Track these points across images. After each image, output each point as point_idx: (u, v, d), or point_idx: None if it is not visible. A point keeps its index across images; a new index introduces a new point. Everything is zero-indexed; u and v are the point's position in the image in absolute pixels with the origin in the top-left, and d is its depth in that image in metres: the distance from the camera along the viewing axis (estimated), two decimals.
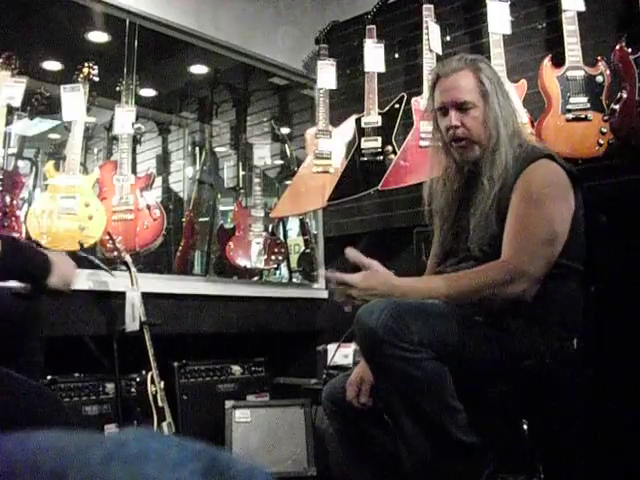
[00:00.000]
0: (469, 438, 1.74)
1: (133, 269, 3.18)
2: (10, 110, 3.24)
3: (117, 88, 3.71)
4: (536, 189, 1.97)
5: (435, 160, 2.28)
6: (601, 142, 2.97)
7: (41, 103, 3.44)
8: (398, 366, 1.70)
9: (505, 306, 1.89)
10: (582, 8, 3.12)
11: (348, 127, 3.81)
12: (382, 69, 3.79)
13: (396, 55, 3.97)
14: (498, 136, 2.06)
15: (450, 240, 2.20)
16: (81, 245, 3.19)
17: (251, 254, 4.31)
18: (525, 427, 2.08)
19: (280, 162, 5.18)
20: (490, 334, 1.87)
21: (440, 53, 3.59)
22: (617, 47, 2.93)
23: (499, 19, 3.34)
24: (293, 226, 5.03)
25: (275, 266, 4.60)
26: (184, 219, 4.67)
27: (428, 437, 1.73)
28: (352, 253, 1.90)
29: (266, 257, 4.35)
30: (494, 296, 1.88)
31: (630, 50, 2.90)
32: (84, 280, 3.16)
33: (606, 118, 2.96)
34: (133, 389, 3.19)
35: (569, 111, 3.03)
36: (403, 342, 1.69)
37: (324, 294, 4.34)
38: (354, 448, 2.16)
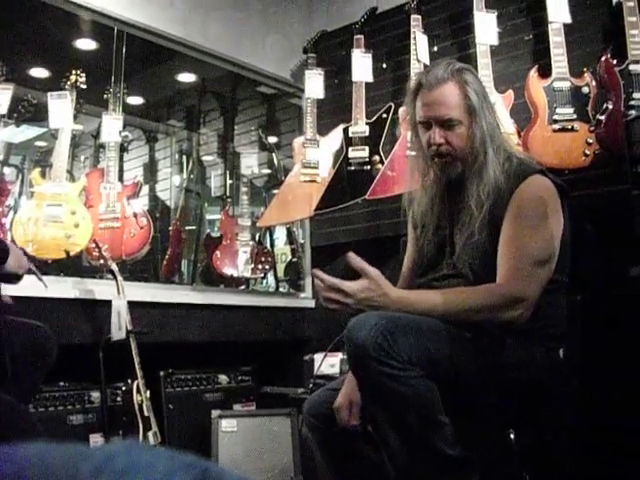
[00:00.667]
0: (455, 452, 1.72)
1: (119, 277, 3.16)
2: None
3: (104, 96, 3.70)
4: (529, 209, 1.93)
5: (414, 170, 2.22)
6: (587, 152, 2.99)
7: (28, 110, 3.43)
8: (386, 383, 1.67)
9: (500, 328, 1.87)
10: (568, 20, 3.14)
11: (336, 136, 3.81)
12: (370, 79, 3.80)
13: (384, 65, 3.99)
14: (485, 153, 2.00)
15: (431, 251, 2.15)
16: (67, 253, 3.17)
17: (238, 263, 4.30)
18: (512, 437, 2.08)
19: (267, 171, 5.18)
20: (479, 349, 1.85)
21: (428, 63, 3.60)
22: (603, 58, 2.96)
23: (486, 30, 3.35)
24: (280, 235, 5.03)
25: (262, 275, 4.59)
26: (171, 227, 4.66)
27: (414, 452, 1.71)
28: (354, 259, 1.85)
29: (253, 266, 4.35)
30: (491, 319, 1.85)
31: (615, 61, 2.92)
32: (70, 289, 3.14)
33: (592, 129, 2.99)
34: (119, 398, 3.17)
35: (555, 122, 3.05)
36: (392, 359, 1.66)
37: (311, 303, 4.34)
38: (338, 462, 2.13)
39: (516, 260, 1.89)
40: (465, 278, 2.00)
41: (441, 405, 1.72)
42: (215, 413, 3.33)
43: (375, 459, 2.03)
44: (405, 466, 1.73)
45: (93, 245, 3.26)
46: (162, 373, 3.44)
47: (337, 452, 2.12)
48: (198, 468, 0.43)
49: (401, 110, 3.56)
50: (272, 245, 4.82)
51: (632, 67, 2.90)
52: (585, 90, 3.06)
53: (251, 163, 4.54)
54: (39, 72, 4.24)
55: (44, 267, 3.26)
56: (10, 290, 2.17)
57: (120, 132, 3.62)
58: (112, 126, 3.58)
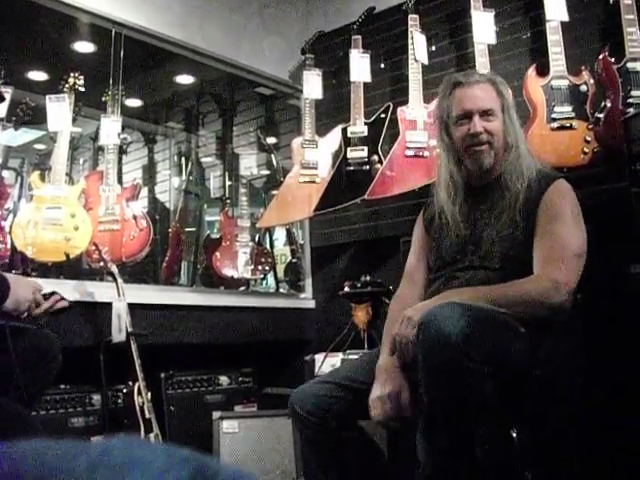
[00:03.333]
0: (478, 453, 1.72)
1: (119, 280, 3.16)
2: None
3: (103, 98, 3.70)
4: (564, 208, 2.08)
5: (439, 164, 2.36)
6: (586, 150, 2.98)
7: (26, 113, 3.42)
8: (461, 377, 1.64)
9: (547, 318, 1.92)
10: (566, 18, 3.14)
11: (334, 137, 3.81)
12: (368, 79, 3.80)
13: (382, 65, 3.99)
14: (518, 147, 2.18)
15: (452, 250, 2.22)
16: (67, 256, 3.17)
17: (238, 264, 4.30)
18: (515, 435, 2.08)
19: (266, 172, 5.18)
20: (526, 345, 1.87)
21: (426, 63, 3.61)
22: (600, 56, 2.96)
23: (484, 29, 3.35)
24: (280, 236, 5.03)
25: (262, 276, 4.60)
26: (170, 229, 4.66)
27: (457, 453, 1.71)
28: None
29: (253, 267, 4.35)
30: (540, 305, 1.91)
31: (613, 59, 2.92)
32: (70, 291, 3.14)
33: (591, 127, 2.98)
34: (120, 400, 3.17)
35: (554, 120, 3.05)
36: (475, 353, 1.64)
37: (311, 304, 4.34)
38: (328, 455, 2.13)
39: (556, 251, 2.00)
40: (492, 270, 2.07)
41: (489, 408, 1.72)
42: (216, 414, 3.33)
43: (363, 449, 2.06)
44: (443, 465, 1.73)
45: (93, 247, 3.26)
46: (163, 375, 3.44)
47: (329, 444, 2.11)
48: (195, 463, 0.43)
49: (399, 110, 3.56)
50: (272, 246, 4.82)
51: (630, 65, 2.90)
52: (583, 88, 3.06)
53: (250, 164, 4.55)
54: (37, 75, 4.24)
55: (44, 270, 3.27)
56: None
57: (119, 134, 3.62)
58: (111, 128, 3.58)
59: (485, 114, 2.18)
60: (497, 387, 1.74)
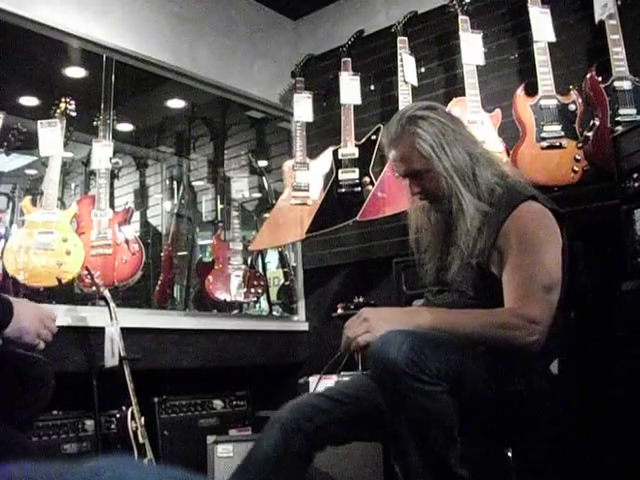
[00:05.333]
0: (462, 471, 1.72)
1: (112, 304, 3.14)
2: None
3: (94, 123, 3.71)
4: (529, 236, 1.94)
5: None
6: (576, 169, 3.00)
7: (18, 139, 3.42)
8: (415, 399, 1.65)
9: (511, 352, 1.86)
10: (553, 39, 3.18)
11: (325, 159, 3.82)
12: (358, 101, 3.82)
13: (372, 87, 4.02)
14: (457, 192, 2.04)
15: (433, 274, 2.22)
16: (59, 281, 3.16)
17: (230, 287, 4.29)
18: (510, 455, 2.08)
19: (258, 195, 5.18)
20: (489, 362, 1.84)
21: (415, 84, 3.63)
22: (588, 76, 2.99)
23: (472, 50, 3.38)
24: (272, 259, 5.02)
25: (255, 299, 4.58)
26: (163, 253, 4.64)
27: (431, 470, 1.70)
28: None
29: (245, 290, 4.34)
30: (503, 341, 1.83)
31: (600, 79, 2.95)
32: (62, 316, 3.12)
33: (580, 145, 3.01)
34: (113, 426, 3.14)
35: (543, 139, 3.07)
36: (423, 374, 1.65)
37: (304, 326, 4.33)
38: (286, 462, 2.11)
39: (526, 286, 1.88)
40: (459, 293, 2.04)
41: (458, 422, 1.72)
42: (211, 439, 3.30)
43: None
44: None
45: (85, 272, 3.24)
46: (156, 399, 3.41)
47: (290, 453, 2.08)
48: None
49: None
50: (264, 269, 4.81)
51: (617, 83, 2.93)
52: (572, 107, 3.09)
53: (242, 187, 4.55)
54: (29, 100, 4.24)
55: (36, 295, 3.25)
56: None
57: (110, 159, 3.63)
58: (102, 153, 3.59)
59: (412, 175, 2.11)
60: (470, 404, 1.75)
